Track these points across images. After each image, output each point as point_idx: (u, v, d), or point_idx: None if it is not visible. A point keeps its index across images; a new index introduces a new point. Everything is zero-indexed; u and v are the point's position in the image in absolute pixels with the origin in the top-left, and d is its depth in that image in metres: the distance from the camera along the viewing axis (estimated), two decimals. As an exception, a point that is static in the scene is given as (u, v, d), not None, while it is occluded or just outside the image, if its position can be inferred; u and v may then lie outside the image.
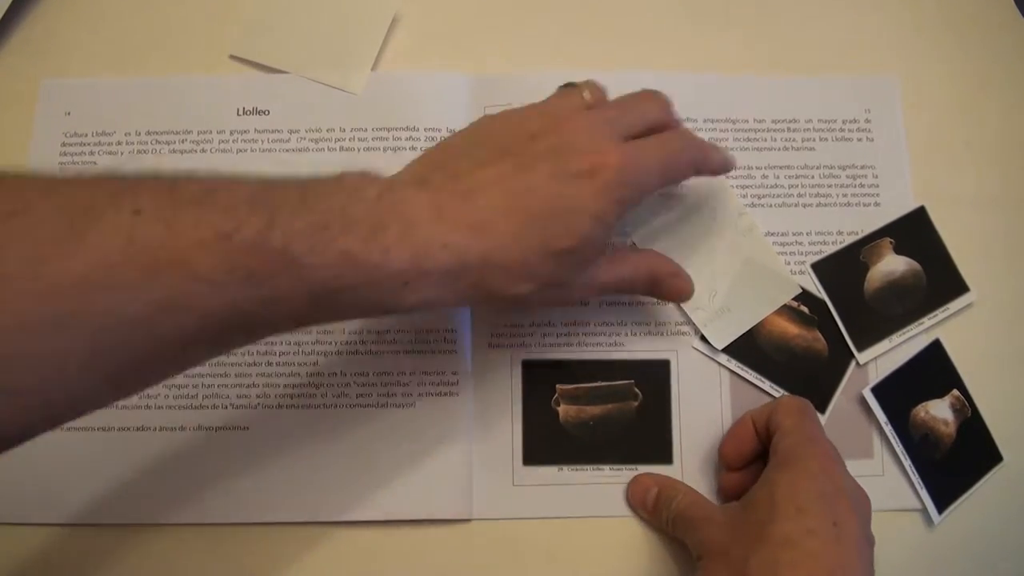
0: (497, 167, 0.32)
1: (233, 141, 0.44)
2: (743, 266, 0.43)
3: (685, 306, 0.42)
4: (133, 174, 0.26)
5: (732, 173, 0.45)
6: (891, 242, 0.44)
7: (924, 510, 0.41)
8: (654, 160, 0.34)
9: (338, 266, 0.27)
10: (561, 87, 0.37)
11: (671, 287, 0.39)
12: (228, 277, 0.25)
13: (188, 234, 0.25)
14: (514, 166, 0.32)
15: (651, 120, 0.36)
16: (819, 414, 0.41)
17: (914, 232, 0.44)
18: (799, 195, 0.44)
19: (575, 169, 0.32)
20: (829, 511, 0.32)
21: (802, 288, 0.43)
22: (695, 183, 0.43)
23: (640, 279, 0.38)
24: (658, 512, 0.39)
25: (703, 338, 0.43)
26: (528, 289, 0.32)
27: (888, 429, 0.41)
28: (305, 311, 0.28)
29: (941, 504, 0.41)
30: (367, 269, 0.28)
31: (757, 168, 0.45)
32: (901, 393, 0.42)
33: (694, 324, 0.43)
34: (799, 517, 0.32)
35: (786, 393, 0.42)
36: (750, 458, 0.39)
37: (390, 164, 0.45)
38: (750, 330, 0.43)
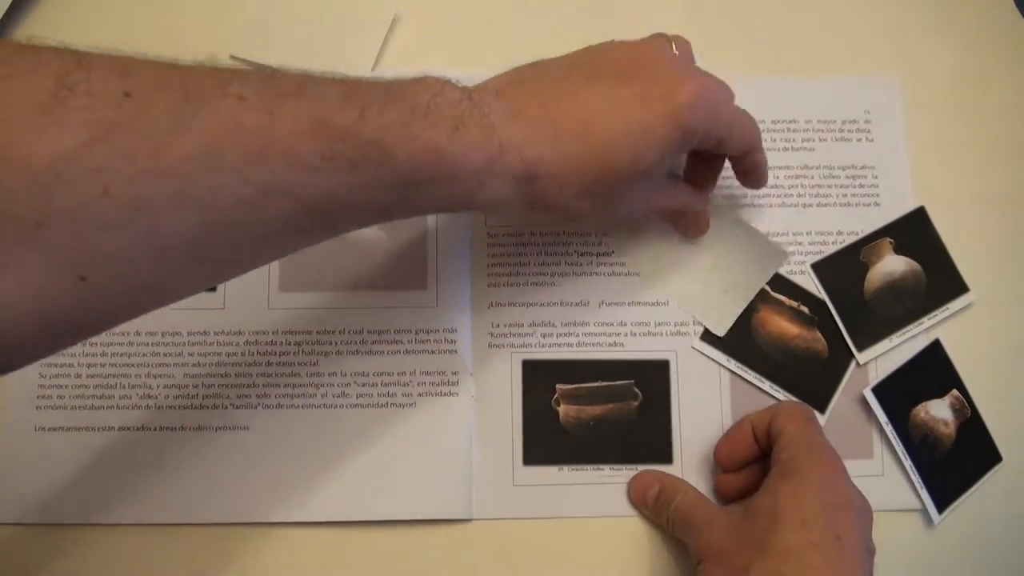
0: (578, 86, 0.33)
1: (233, 141, 0.44)
2: (731, 248, 0.43)
3: (684, 306, 0.43)
4: (231, 68, 0.27)
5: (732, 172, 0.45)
6: (891, 242, 0.44)
7: (924, 510, 0.41)
8: (728, 105, 0.35)
9: (423, 158, 0.28)
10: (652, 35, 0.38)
11: (692, 224, 0.42)
12: (325, 164, 0.26)
13: (289, 122, 0.25)
14: (595, 89, 0.33)
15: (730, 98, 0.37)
16: (819, 414, 0.41)
17: (914, 232, 0.44)
18: (799, 195, 0.45)
19: (654, 92, 0.32)
20: (832, 524, 0.32)
21: (802, 288, 0.43)
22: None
23: (675, 209, 0.41)
24: (659, 510, 0.39)
25: (703, 338, 0.43)
26: (585, 205, 0.33)
27: (888, 429, 0.41)
28: (390, 202, 0.29)
29: (941, 504, 0.41)
30: (449, 163, 0.29)
31: (757, 168, 0.45)
32: (901, 393, 0.42)
33: (694, 323, 0.43)
34: (802, 529, 0.32)
35: (786, 394, 0.42)
36: (745, 462, 0.39)
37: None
38: (750, 330, 0.43)
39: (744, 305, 0.42)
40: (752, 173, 0.39)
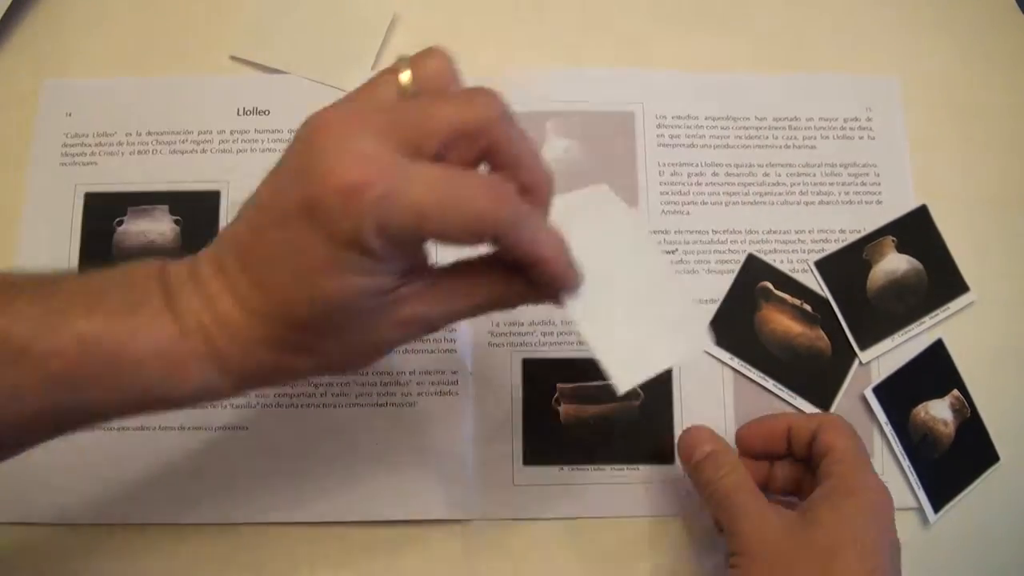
0: (265, 215, 0.25)
1: (233, 141, 0.44)
2: (656, 313, 0.31)
3: (582, 328, 0.29)
4: None
5: (734, 170, 0.45)
6: (893, 240, 0.44)
7: (920, 509, 0.41)
8: (418, 192, 0.23)
9: (76, 351, 0.24)
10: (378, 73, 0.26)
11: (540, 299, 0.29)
12: None
13: None
14: (272, 211, 0.25)
15: (458, 126, 0.24)
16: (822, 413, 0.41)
17: (916, 231, 0.44)
18: (801, 193, 0.44)
19: (288, 207, 0.24)
20: (892, 559, 0.32)
21: (804, 286, 0.43)
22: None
23: (494, 304, 0.28)
24: (702, 473, 0.36)
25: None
26: (306, 364, 0.26)
27: (888, 430, 0.41)
28: (54, 409, 0.24)
29: (937, 503, 0.41)
30: (112, 354, 0.24)
31: (759, 166, 0.45)
32: (902, 393, 0.42)
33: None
34: (870, 558, 0.31)
35: (791, 392, 0.42)
36: (763, 453, 0.38)
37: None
38: (753, 328, 0.42)
39: (652, 374, 0.29)
40: (536, 272, 0.26)
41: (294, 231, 0.23)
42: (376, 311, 0.26)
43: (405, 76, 0.25)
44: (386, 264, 0.24)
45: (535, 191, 0.26)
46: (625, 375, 0.29)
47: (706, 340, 0.35)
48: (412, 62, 0.25)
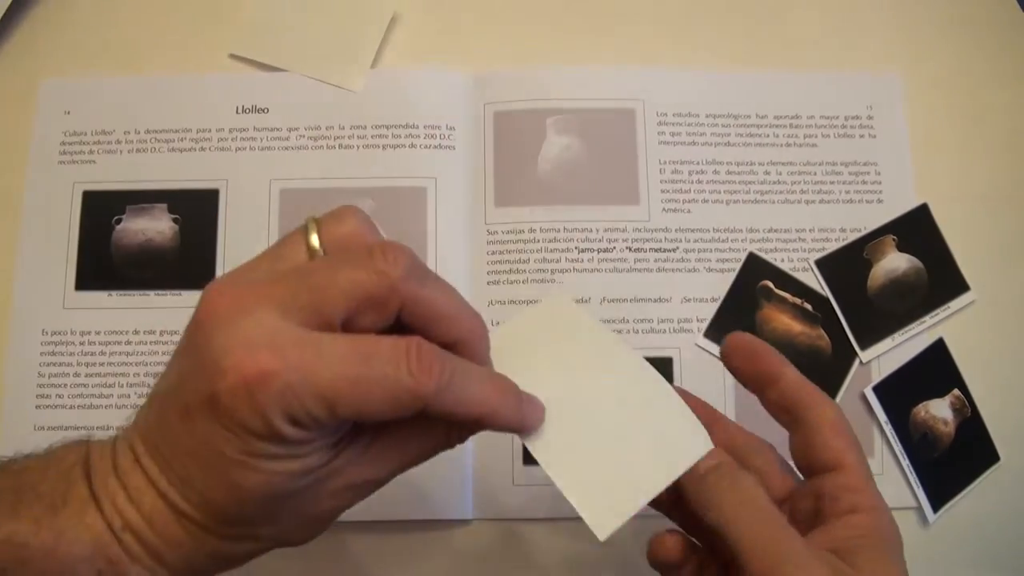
0: (155, 406, 0.24)
1: (232, 139, 0.44)
2: (623, 414, 0.29)
3: (549, 471, 0.27)
4: None
5: (735, 168, 0.45)
6: (894, 239, 0.44)
7: (919, 509, 0.41)
8: (325, 373, 0.21)
9: (4, 556, 0.22)
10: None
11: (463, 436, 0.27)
12: None
13: None
14: (162, 402, 0.23)
15: (358, 294, 0.22)
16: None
17: (917, 230, 0.44)
18: (802, 191, 0.44)
19: (189, 401, 0.22)
20: None
21: (805, 285, 0.43)
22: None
23: (446, 447, 0.27)
24: (707, 493, 0.27)
25: (707, 335, 0.42)
26: (249, 549, 0.25)
27: (888, 429, 0.41)
28: None
29: (936, 503, 0.41)
30: (41, 558, 0.22)
31: (759, 164, 0.45)
32: (902, 392, 0.42)
33: (697, 320, 0.42)
34: None
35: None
36: (748, 378, 0.32)
37: (388, 162, 0.45)
38: (754, 327, 0.42)
39: (636, 508, 0.27)
40: (482, 427, 0.25)
41: (200, 425, 0.22)
42: (309, 489, 0.24)
43: (313, 239, 0.24)
44: (308, 445, 0.23)
45: (464, 343, 0.24)
46: (606, 516, 0.26)
47: (707, 442, 0.28)
48: (321, 223, 0.24)
